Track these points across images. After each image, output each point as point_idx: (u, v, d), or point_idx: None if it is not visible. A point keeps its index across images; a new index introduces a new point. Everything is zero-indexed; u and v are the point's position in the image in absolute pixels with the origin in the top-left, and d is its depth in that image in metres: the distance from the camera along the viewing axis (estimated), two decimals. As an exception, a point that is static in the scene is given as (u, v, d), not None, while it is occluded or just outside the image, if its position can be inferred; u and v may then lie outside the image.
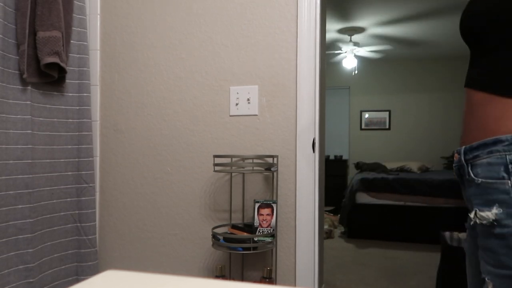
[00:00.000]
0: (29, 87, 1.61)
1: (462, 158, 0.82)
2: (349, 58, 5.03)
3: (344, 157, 6.25)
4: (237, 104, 1.74)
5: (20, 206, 1.56)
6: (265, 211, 1.56)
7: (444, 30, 4.62)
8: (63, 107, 1.77)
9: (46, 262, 1.69)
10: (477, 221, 0.77)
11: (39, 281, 1.64)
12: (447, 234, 2.27)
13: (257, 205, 1.57)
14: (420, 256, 3.40)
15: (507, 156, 0.73)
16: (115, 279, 0.53)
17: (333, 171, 5.82)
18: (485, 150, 0.77)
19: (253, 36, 1.72)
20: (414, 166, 4.92)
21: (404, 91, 6.05)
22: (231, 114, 1.75)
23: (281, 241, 1.68)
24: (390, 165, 5.09)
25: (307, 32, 1.63)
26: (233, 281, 0.52)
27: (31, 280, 1.57)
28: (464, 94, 0.89)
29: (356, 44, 4.87)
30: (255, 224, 1.56)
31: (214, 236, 1.55)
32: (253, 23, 1.72)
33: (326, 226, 4.07)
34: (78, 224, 1.82)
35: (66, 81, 1.76)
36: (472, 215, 0.79)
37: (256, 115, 1.71)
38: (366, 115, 6.21)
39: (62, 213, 1.77)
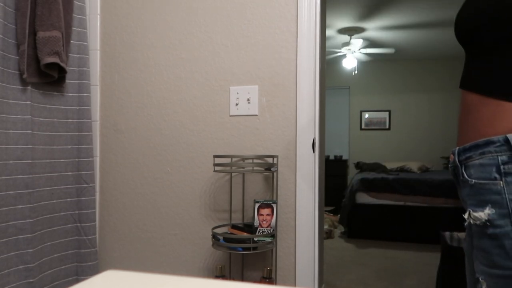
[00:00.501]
0: (29, 87, 1.61)
1: (456, 159, 0.83)
2: (349, 58, 5.03)
3: (344, 157, 6.25)
4: (237, 104, 1.74)
5: (20, 206, 1.56)
6: (265, 211, 1.56)
7: (443, 36, 4.63)
8: (63, 107, 1.77)
9: (46, 262, 1.69)
10: (471, 221, 0.78)
11: (39, 281, 1.64)
12: (447, 234, 2.27)
13: (257, 205, 1.57)
14: (420, 256, 3.40)
15: (498, 157, 0.73)
16: (115, 279, 0.53)
17: (333, 171, 5.82)
18: (477, 151, 0.78)
19: (253, 36, 1.72)
20: (414, 166, 4.92)
21: (404, 91, 6.06)
22: (231, 114, 1.75)
23: (281, 241, 1.68)
24: (390, 165, 5.09)
25: (307, 32, 1.63)
26: (233, 281, 0.52)
27: (31, 280, 1.57)
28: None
29: (356, 44, 4.87)
30: (255, 224, 1.56)
31: (214, 236, 1.55)
32: (253, 23, 1.72)
33: (326, 226, 4.07)
34: (78, 224, 1.82)
35: (66, 81, 1.76)
36: (466, 215, 0.80)
37: (256, 115, 1.71)
38: (366, 115, 6.21)
39: (62, 213, 1.77)
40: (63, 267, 1.77)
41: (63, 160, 1.77)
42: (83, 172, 1.82)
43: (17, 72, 1.57)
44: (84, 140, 1.82)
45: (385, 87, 6.15)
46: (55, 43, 1.58)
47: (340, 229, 4.43)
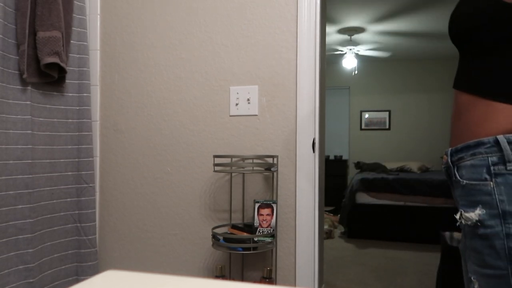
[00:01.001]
0: (29, 87, 1.61)
1: (449, 160, 0.84)
2: (349, 58, 5.03)
3: (344, 157, 6.25)
4: (237, 104, 1.74)
5: (20, 206, 1.56)
6: (265, 211, 1.56)
7: (442, 20, 4.60)
8: (63, 107, 1.77)
9: (46, 262, 1.69)
10: (463, 221, 0.79)
11: (39, 281, 1.64)
12: (447, 234, 2.27)
13: (257, 205, 1.57)
14: (420, 256, 3.40)
15: (489, 158, 0.74)
16: (115, 279, 0.53)
17: (333, 171, 5.82)
18: (468, 152, 0.78)
19: (253, 36, 1.72)
20: (414, 166, 4.92)
21: (404, 91, 6.06)
22: (231, 114, 1.75)
23: (281, 241, 1.68)
24: (390, 165, 5.09)
25: (307, 32, 1.63)
26: (233, 281, 0.52)
27: (31, 280, 1.57)
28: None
29: (356, 44, 4.87)
30: (255, 224, 1.56)
31: (214, 236, 1.55)
32: (253, 23, 1.72)
33: (326, 226, 4.07)
34: (78, 224, 1.82)
35: (66, 81, 1.76)
36: (458, 216, 0.80)
37: (256, 115, 1.71)
38: (366, 115, 6.21)
39: (62, 213, 1.77)
40: (63, 267, 1.77)
41: (63, 160, 1.77)
42: (83, 172, 1.82)
43: (17, 72, 1.57)
44: (84, 140, 1.82)
45: (385, 87, 6.15)
46: (55, 43, 1.58)
47: (340, 229, 4.43)
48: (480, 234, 0.74)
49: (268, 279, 1.54)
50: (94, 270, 1.83)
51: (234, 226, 1.62)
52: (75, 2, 1.79)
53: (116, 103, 1.93)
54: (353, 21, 4.38)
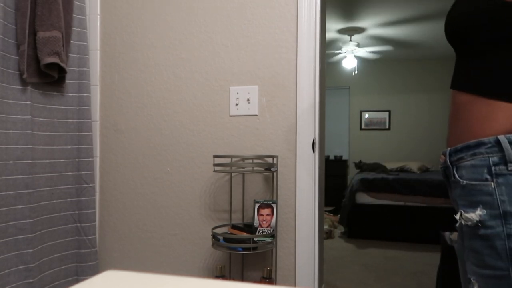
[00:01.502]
0: (29, 87, 1.61)
1: (448, 160, 0.83)
2: (349, 58, 5.04)
3: (344, 157, 6.25)
4: (237, 104, 1.74)
5: (20, 206, 1.56)
6: (265, 211, 1.56)
7: (442, 31, 4.61)
8: (63, 107, 1.77)
9: (46, 262, 1.69)
10: (462, 222, 0.78)
11: (39, 281, 1.64)
12: (447, 234, 2.27)
13: (257, 205, 1.57)
14: (420, 256, 3.40)
15: (490, 158, 0.74)
16: (115, 279, 0.53)
17: (333, 171, 5.82)
18: (468, 152, 0.78)
19: (253, 36, 1.72)
20: (414, 166, 4.92)
21: (404, 91, 6.06)
22: (231, 114, 1.75)
23: (281, 241, 1.68)
24: (390, 165, 5.09)
25: (307, 32, 1.63)
26: (233, 281, 0.52)
27: (31, 280, 1.57)
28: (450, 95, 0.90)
29: (356, 44, 4.87)
30: (255, 224, 1.56)
31: (214, 236, 1.55)
32: (253, 23, 1.72)
33: (326, 226, 4.07)
34: (78, 224, 1.82)
35: (66, 81, 1.76)
36: (457, 216, 0.80)
37: (256, 115, 1.71)
38: (366, 115, 6.21)
39: (62, 213, 1.77)
40: (63, 267, 1.77)
41: (63, 160, 1.77)
42: (83, 172, 1.82)
43: (17, 72, 1.57)
44: (84, 140, 1.82)
45: (385, 87, 6.15)
46: (55, 43, 1.58)
47: (340, 229, 4.42)
48: (481, 235, 0.74)
49: (268, 279, 1.54)
50: (94, 270, 1.83)
51: (234, 226, 1.62)
52: (75, 2, 1.79)
53: (116, 103, 1.93)
54: (360, 22, 4.38)
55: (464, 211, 0.78)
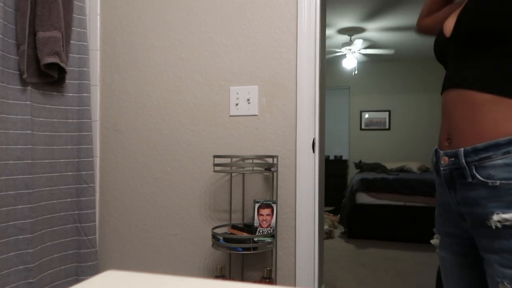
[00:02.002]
0: (29, 87, 1.61)
1: (463, 161, 0.81)
2: (349, 58, 5.03)
3: (344, 157, 6.25)
4: (237, 104, 1.74)
5: (20, 206, 1.56)
6: (265, 211, 1.56)
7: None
8: (63, 107, 1.77)
9: (46, 262, 1.69)
10: (498, 225, 0.75)
11: (39, 281, 1.64)
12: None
13: (257, 205, 1.57)
14: (420, 256, 3.40)
15: None
16: (115, 279, 0.53)
17: (333, 171, 5.81)
18: (499, 151, 0.76)
19: (253, 36, 1.72)
20: (414, 166, 4.92)
21: (404, 91, 6.06)
22: (231, 114, 1.75)
23: (281, 241, 1.68)
24: (390, 165, 5.09)
25: (307, 32, 1.63)
26: (233, 281, 0.52)
27: (31, 280, 1.57)
28: (450, 96, 0.87)
29: (356, 44, 4.87)
30: (255, 224, 1.56)
31: (214, 236, 1.55)
32: (253, 23, 1.72)
33: (326, 226, 4.07)
34: (78, 225, 1.82)
35: (66, 81, 1.76)
36: (496, 218, 0.76)
37: (256, 115, 1.71)
38: (366, 115, 6.21)
39: (62, 213, 1.77)
40: (63, 267, 1.77)
41: (63, 160, 1.77)
42: (83, 172, 1.82)
43: (17, 72, 1.57)
44: (84, 140, 1.82)
45: (385, 87, 6.15)
46: (55, 43, 1.58)
47: (340, 229, 4.42)
48: None
49: (268, 279, 1.54)
50: (94, 270, 1.83)
51: (234, 226, 1.62)
52: (75, 2, 1.79)
53: (116, 103, 1.93)
54: (351, 20, 4.38)
55: (502, 212, 0.75)
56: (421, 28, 1.14)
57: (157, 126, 1.86)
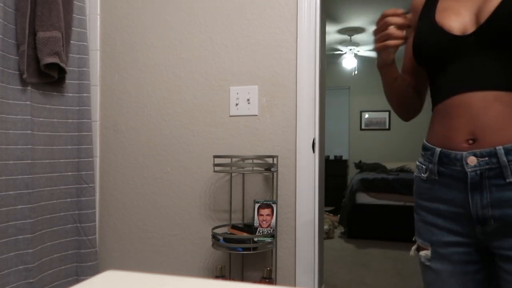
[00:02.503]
0: (29, 88, 1.61)
1: (504, 159, 0.77)
2: (349, 58, 5.03)
3: (344, 157, 6.25)
4: (237, 104, 1.74)
5: (20, 207, 1.56)
6: (265, 211, 1.56)
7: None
8: (63, 107, 1.77)
9: (46, 262, 1.69)
10: None
11: (39, 281, 1.64)
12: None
13: (257, 205, 1.57)
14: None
15: None
16: (115, 279, 0.53)
17: (333, 171, 5.81)
18: None
19: (253, 36, 1.72)
20: (414, 166, 4.91)
21: (404, 91, 6.05)
22: (231, 114, 1.75)
23: (281, 241, 1.68)
24: (390, 165, 5.09)
25: (307, 32, 1.63)
26: (233, 281, 0.52)
27: (31, 280, 1.57)
28: (475, 96, 0.82)
29: (356, 44, 4.87)
30: (255, 224, 1.56)
31: (214, 236, 1.55)
32: (253, 23, 1.72)
33: (326, 226, 4.07)
34: (78, 225, 1.82)
35: (66, 81, 1.76)
36: None
37: (256, 115, 1.71)
38: (366, 115, 6.21)
39: (62, 214, 1.77)
40: (63, 267, 1.77)
41: (63, 161, 1.77)
42: (83, 173, 1.82)
43: (17, 72, 1.57)
44: (84, 140, 1.82)
45: (385, 87, 6.14)
46: (55, 43, 1.58)
47: (340, 229, 4.42)
48: None
49: (268, 279, 1.54)
50: (94, 270, 1.83)
51: (234, 226, 1.62)
52: (75, 2, 1.79)
53: (116, 103, 1.93)
54: (353, 22, 4.38)
55: None
56: (412, 117, 1.14)
57: (157, 126, 1.86)
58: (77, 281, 1.82)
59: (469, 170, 0.81)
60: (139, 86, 1.89)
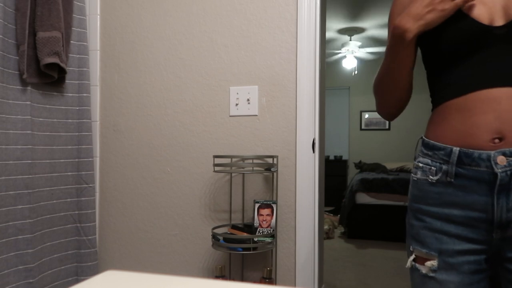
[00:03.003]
0: (29, 88, 1.61)
1: None
2: (349, 58, 5.04)
3: (344, 157, 6.25)
4: (237, 105, 1.74)
5: (20, 207, 1.56)
6: (265, 211, 1.56)
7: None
8: (63, 107, 1.77)
9: (46, 262, 1.69)
10: None
11: (39, 281, 1.64)
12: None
13: (257, 205, 1.57)
14: (420, 256, 3.39)
15: None
16: (115, 279, 0.53)
17: (333, 171, 5.82)
18: None
19: (253, 36, 1.72)
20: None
21: (404, 91, 6.05)
22: (231, 114, 1.75)
23: (281, 241, 1.68)
24: (390, 165, 5.09)
25: (307, 32, 1.63)
26: (233, 282, 0.52)
27: (31, 280, 1.57)
28: (504, 92, 0.77)
29: (356, 44, 4.87)
30: (255, 224, 1.56)
31: (214, 236, 1.55)
32: (253, 23, 1.72)
33: (326, 226, 4.07)
34: (78, 225, 1.82)
35: (66, 81, 1.76)
36: None
37: (256, 115, 1.71)
38: (366, 115, 6.21)
39: (62, 214, 1.77)
40: (63, 267, 1.77)
41: (63, 161, 1.77)
42: (83, 173, 1.82)
43: (17, 72, 1.57)
44: (84, 140, 1.82)
45: (385, 87, 6.14)
46: (55, 43, 1.58)
47: (340, 229, 4.42)
48: None
49: (268, 279, 1.54)
50: (94, 270, 1.83)
51: (234, 227, 1.62)
52: (75, 2, 1.79)
53: (116, 103, 1.93)
54: (360, 22, 4.38)
55: None
56: (397, 116, 1.01)
57: (157, 126, 1.86)
58: (77, 281, 1.82)
59: (499, 170, 0.75)
60: (139, 86, 1.89)
